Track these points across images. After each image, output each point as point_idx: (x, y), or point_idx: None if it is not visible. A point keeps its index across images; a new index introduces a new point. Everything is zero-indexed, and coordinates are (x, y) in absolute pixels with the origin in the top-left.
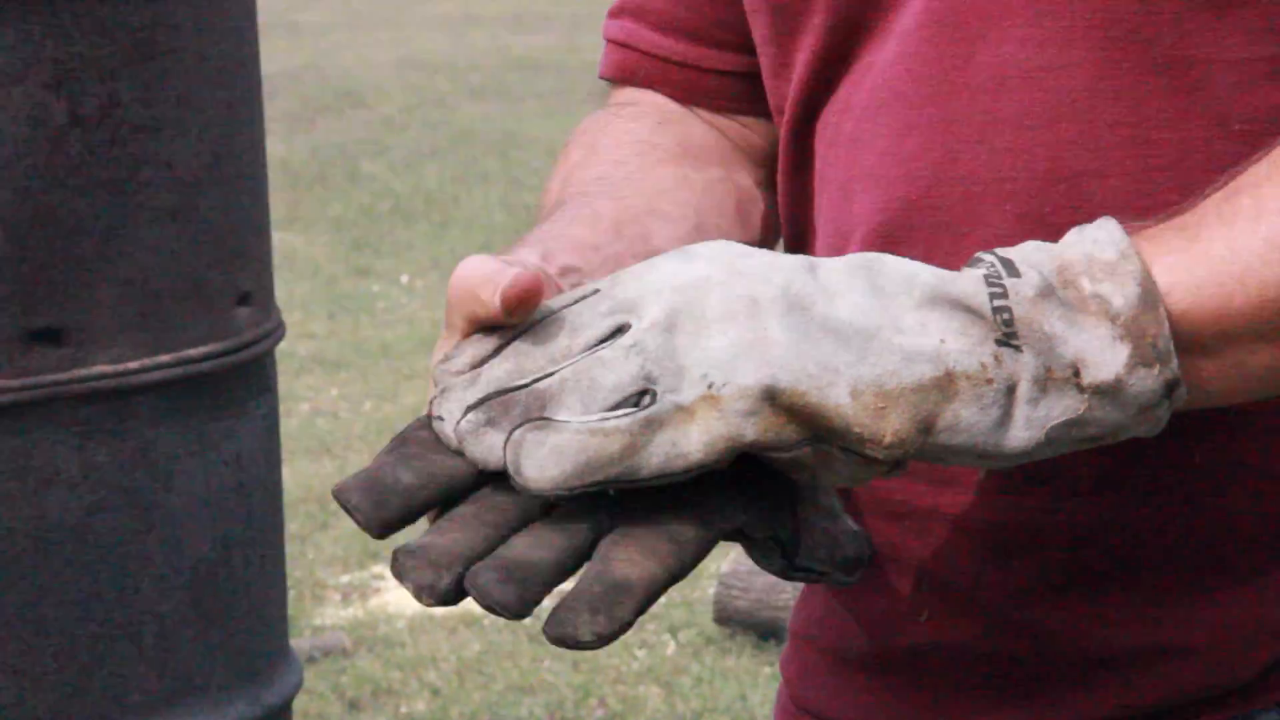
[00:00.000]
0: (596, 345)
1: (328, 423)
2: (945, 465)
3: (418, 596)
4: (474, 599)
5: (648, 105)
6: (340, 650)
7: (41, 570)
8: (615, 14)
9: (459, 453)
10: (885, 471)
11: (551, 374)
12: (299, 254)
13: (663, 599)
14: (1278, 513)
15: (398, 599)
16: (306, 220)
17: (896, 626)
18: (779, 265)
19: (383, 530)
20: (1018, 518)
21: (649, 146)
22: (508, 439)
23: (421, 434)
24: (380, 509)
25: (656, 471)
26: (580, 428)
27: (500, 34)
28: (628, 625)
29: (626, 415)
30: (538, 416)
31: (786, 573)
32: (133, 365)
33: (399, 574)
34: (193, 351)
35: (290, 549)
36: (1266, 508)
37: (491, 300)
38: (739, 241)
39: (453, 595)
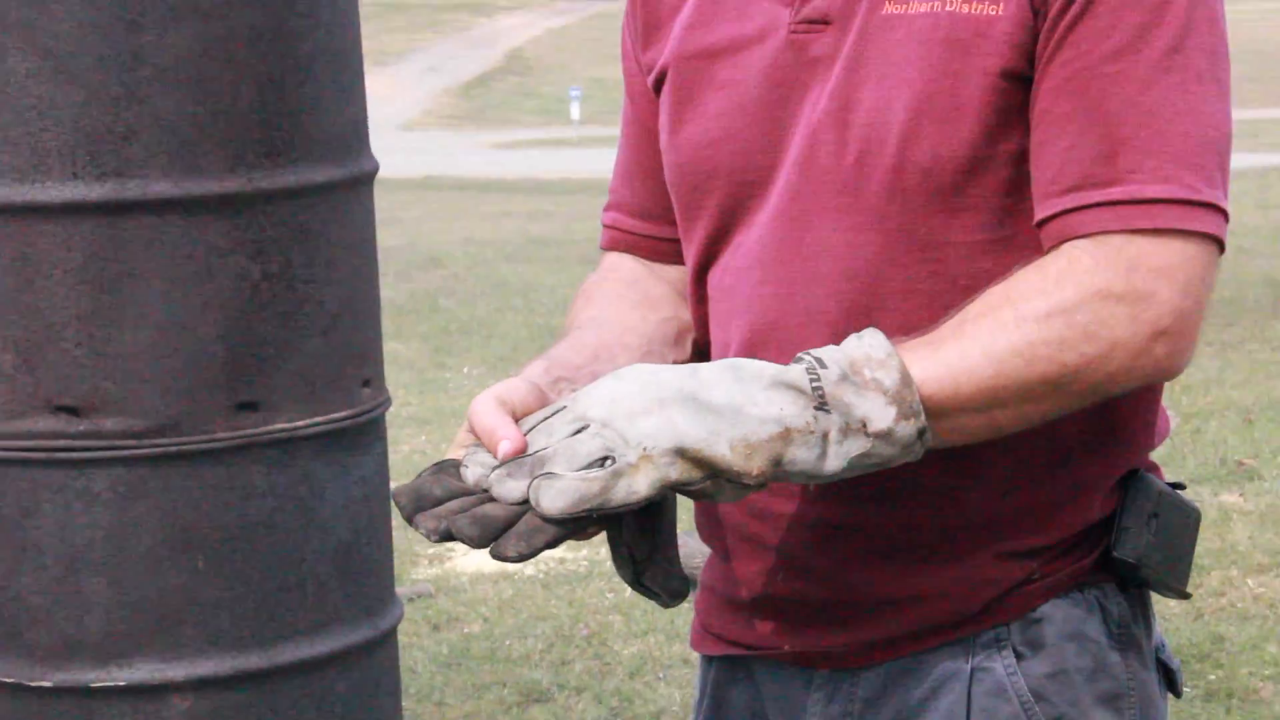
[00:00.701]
0: (569, 436)
1: (419, 458)
2: (790, 483)
3: (427, 535)
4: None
5: (625, 269)
6: (427, 594)
7: (248, 547)
8: (607, 208)
9: (473, 490)
10: (755, 490)
11: (545, 449)
12: (400, 356)
13: None
14: (981, 509)
15: (462, 563)
16: (406, 335)
17: (762, 583)
18: (674, 374)
19: (410, 513)
20: (832, 515)
21: (622, 299)
22: (530, 483)
23: (448, 469)
24: (415, 507)
25: (620, 503)
26: (574, 477)
27: (524, 223)
28: (538, 551)
29: (600, 469)
30: (544, 472)
31: (633, 586)
32: (300, 424)
33: (414, 523)
34: (336, 415)
35: (395, 533)
36: (973, 507)
37: (493, 450)
38: (675, 359)
39: (447, 536)
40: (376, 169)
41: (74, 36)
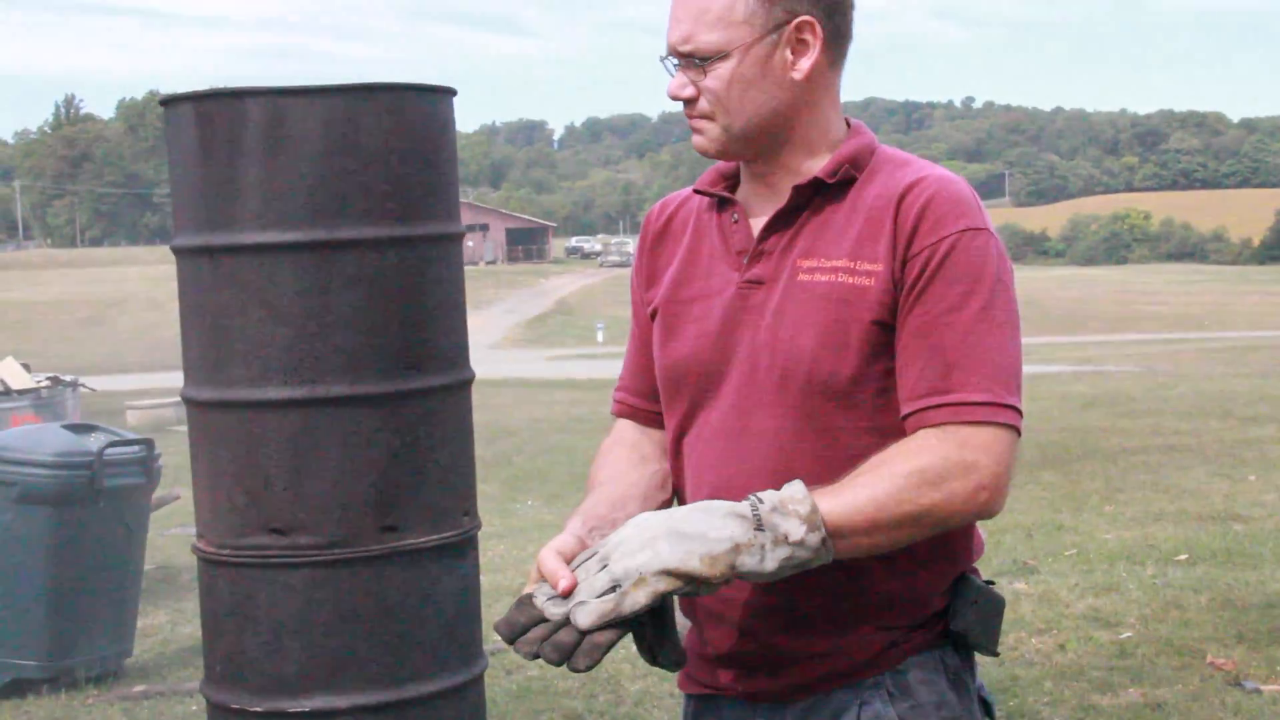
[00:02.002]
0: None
1: (499, 560)
2: (742, 579)
3: (524, 656)
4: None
5: (628, 433)
6: (502, 651)
7: (388, 620)
8: (616, 389)
9: (540, 611)
10: (721, 587)
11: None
12: (486, 493)
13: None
14: (866, 598)
15: None
16: (490, 480)
17: (723, 644)
18: (660, 516)
19: (510, 640)
20: (768, 599)
21: (627, 461)
22: (570, 609)
23: (525, 602)
24: (511, 636)
25: (630, 612)
26: (595, 602)
27: (567, 407)
28: (598, 660)
29: (612, 594)
30: (577, 601)
31: (650, 662)
32: (424, 540)
33: (514, 648)
34: (447, 534)
35: (482, 610)
36: (861, 597)
37: (555, 586)
38: (662, 499)
39: (535, 656)
40: (474, 376)
41: (287, 296)
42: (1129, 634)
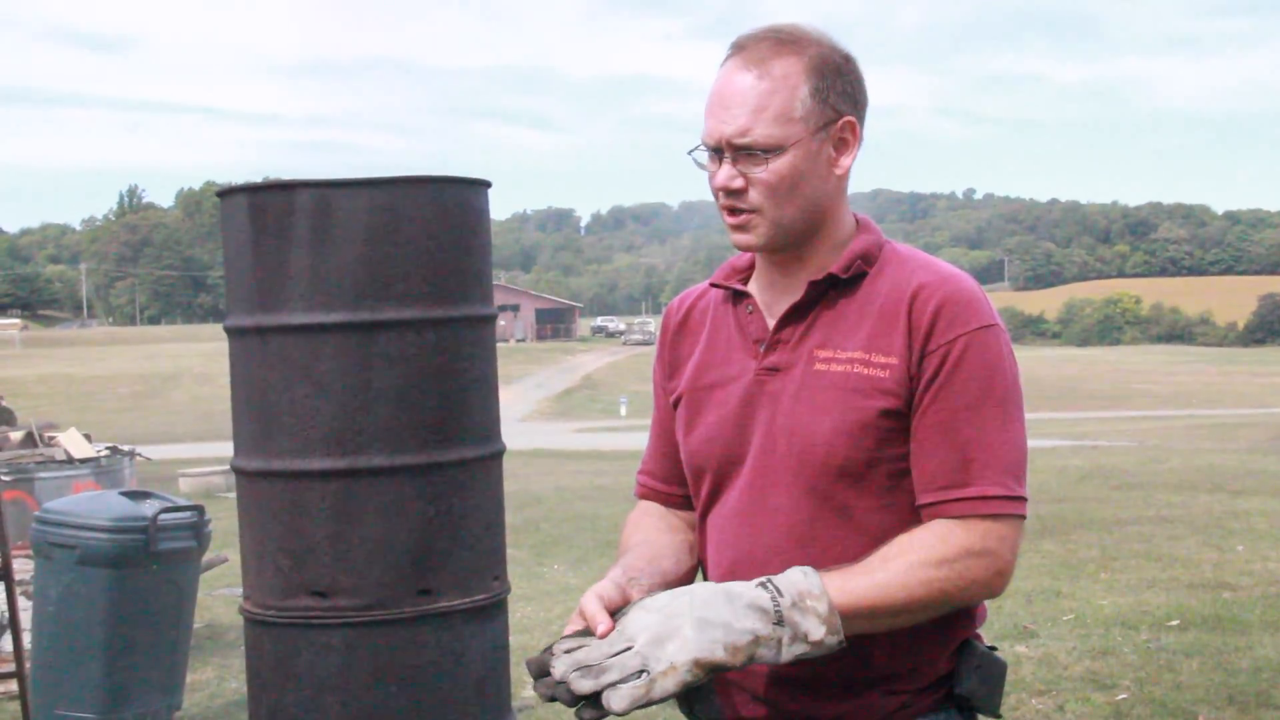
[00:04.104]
0: (619, 653)
1: (528, 621)
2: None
3: (541, 697)
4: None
5: (653, 510)
6: (529, 707)
7: (422, 677)
8: (640, 472)
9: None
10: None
11: (606, 661)
12: (515, 558)
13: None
14: (876, 665)
15: None
16: (519, 545)
17: (744, 708)
18: (685, 602)
19: (537, 678)
20: (785, 671)
21: (658, 528)
22: (602, 691)
23: (555, 646)
24: (537, 675)
25: (659, 697)
26: (629, 687)
27: (592, 477)
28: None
29: (642, 679)
30: (608, 683)
31: (686, 713)
32: (457, 603)
33: (534, 687)
34: (478, 597)
35: (511, 669)
36: (871, 664)
37: (594, 629)
38: (689, 563)
39: (552, 699)
40: (504, 449)
41: (331, 373)
42: (1124, 695)
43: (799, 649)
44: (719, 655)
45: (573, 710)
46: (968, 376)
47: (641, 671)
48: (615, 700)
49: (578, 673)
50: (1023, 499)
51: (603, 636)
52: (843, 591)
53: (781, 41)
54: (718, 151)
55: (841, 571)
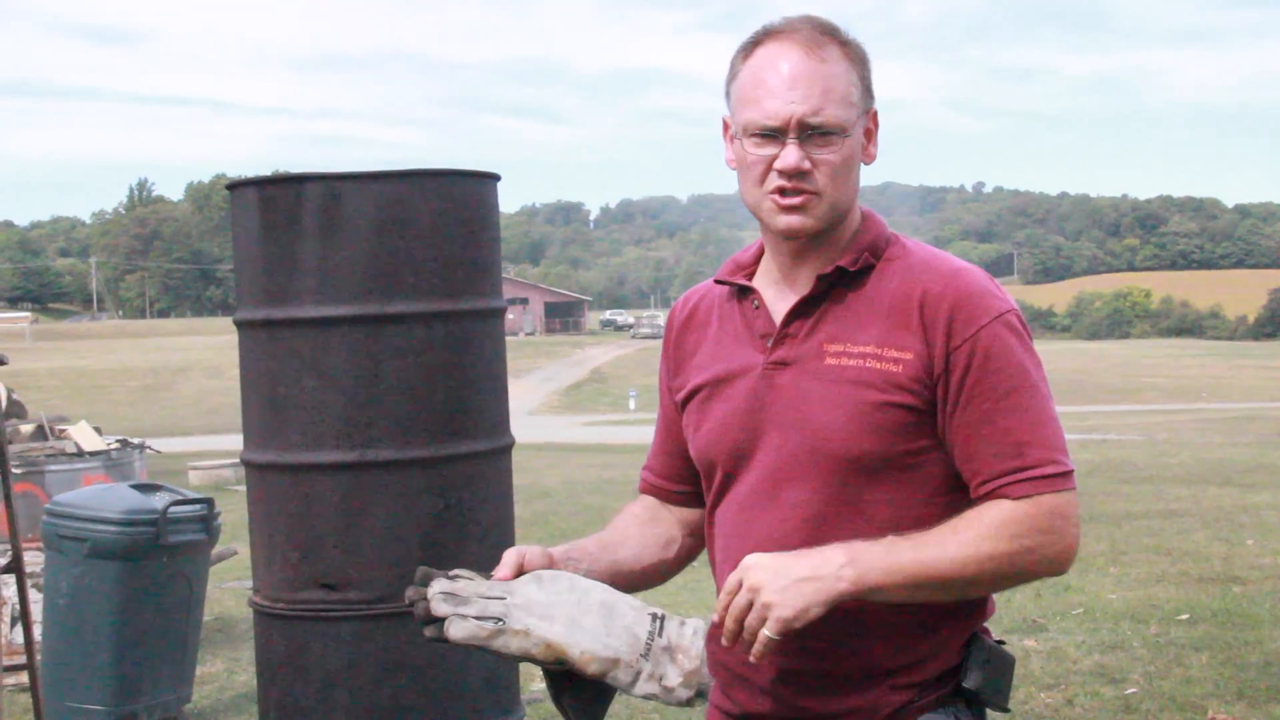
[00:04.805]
0: (491, 597)
1: None
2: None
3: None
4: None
5: (649, 503)
6: (538, 700)
7: (432, 670)
8: (644, 468)
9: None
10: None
11: (475, 597)
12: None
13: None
14: (881, 661)
15: None
16: (528, 540)
17: (746, 701)
18: (574, 598)
19: (417, 583)
20: (788, 663)
21: (637, 519)
22: (449, 616)
23: (453, 572)
24: (419, 579)
25: (497, 648)
26: (473, 624)
27: (600, 471)
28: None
29: (491, 625)
30: (461, 614)
31: (555, 702)
32: None
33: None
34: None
35: (522, 665)
36: (877, 659)
37: (494, 575)
38: (662, 556)
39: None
40: (514, 442)
41: (340, 366)
42: (1134, 690)
43: (649, 688)
44: (572, 653)
45: (420, 627)
46: (998, 367)
47: (497, 620)
48: (455, 628)
49: (443, 596)
50: (1073, 470)
51: (498, 579)
52: (914, 560)
53: (824, 30)
54: (772, 134)
55: (912, 539)
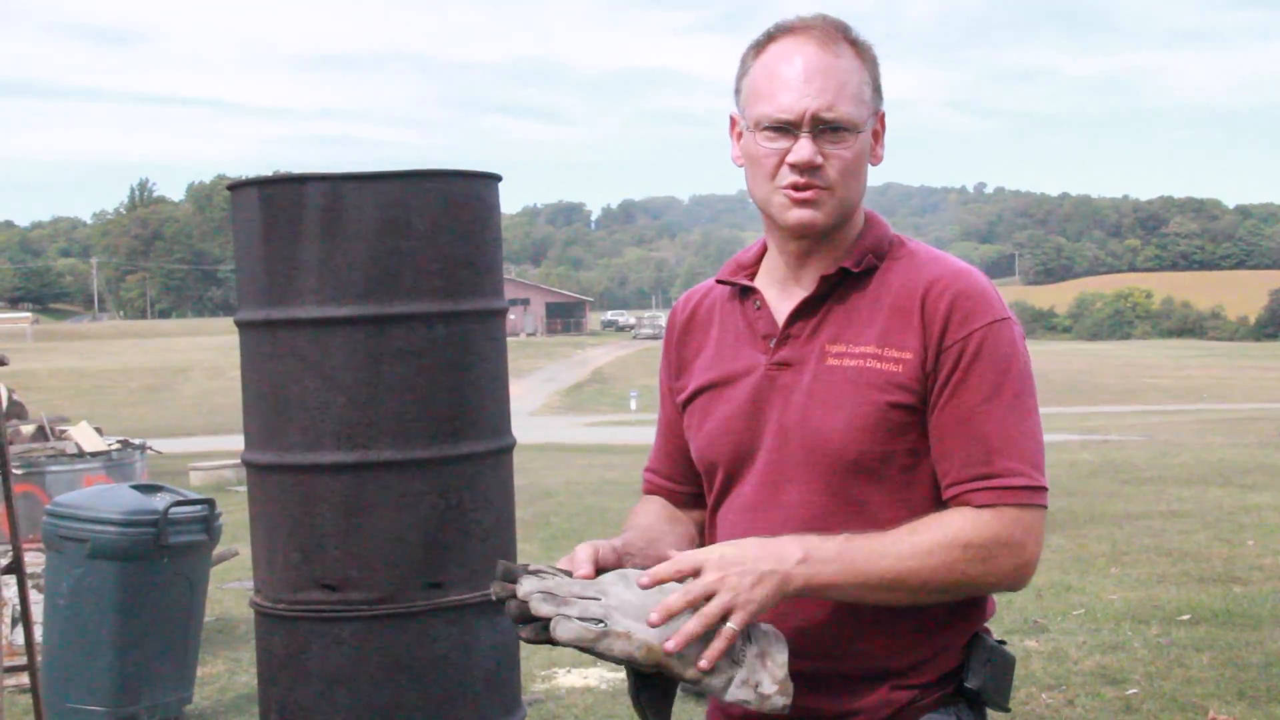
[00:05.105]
0: (588, 597)
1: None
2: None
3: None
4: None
5: (657, 502)
6: (540, 700)
7: (433, 670)
8: (646, 469)
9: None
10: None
11: (572, 596)
12: (526, 553)
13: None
14: (886, 662)
15: (562, 680)
16: (530, 539)
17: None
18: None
19: (501, 579)
20: (797, 666)
21: (659, 515)
22: (553, 617)
23: (532, 567)
24: (502, 573)
25: (602, 651)
26: (579, 626)
27: (601, 471)
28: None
29: (595, 628)
30: (565, 614)
31: (634, 702)
32: (467, 596)
33: (494, 590)
34: (488, 591)
35: (522, 663)
36: (880, 661)
37: (576, 572)
38: (685, 550)
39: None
40: (515, 443)
41: (341, 367)
42: (1135, 690)
43: (743, 694)
44: (676, 665)
45: (515, 626)
46: (984, 370)
47: (600, 621)
48: (562, 629)
49: (542, 595)
50: (1045, 488)
51: (583, 578)
52: (871, 553)
53: (837, 28)
54: (785, 129)
55: (868, 538)
